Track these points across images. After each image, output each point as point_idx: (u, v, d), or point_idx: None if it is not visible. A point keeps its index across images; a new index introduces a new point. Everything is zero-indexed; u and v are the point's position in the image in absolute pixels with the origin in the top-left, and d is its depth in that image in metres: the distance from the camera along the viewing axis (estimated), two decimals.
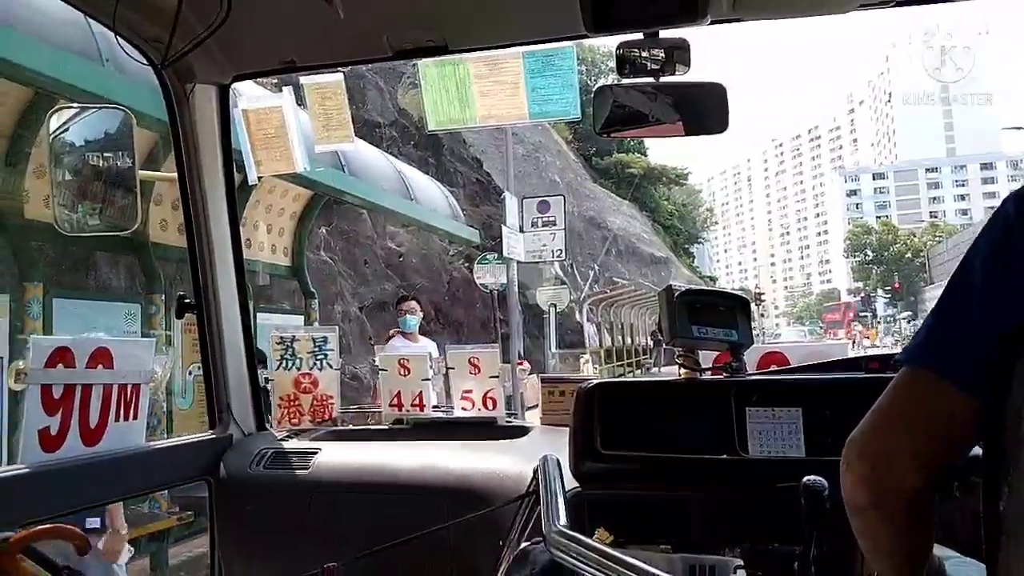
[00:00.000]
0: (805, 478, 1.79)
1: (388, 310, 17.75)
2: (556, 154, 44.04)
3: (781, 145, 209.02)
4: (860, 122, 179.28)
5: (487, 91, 2.51)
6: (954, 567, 1.43)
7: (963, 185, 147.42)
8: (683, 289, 2.27)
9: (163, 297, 6.33)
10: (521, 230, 15.91)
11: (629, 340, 30.59)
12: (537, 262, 17.70)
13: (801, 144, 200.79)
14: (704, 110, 2.23)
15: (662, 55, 2.13)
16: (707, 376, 2.26)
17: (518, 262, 16.08)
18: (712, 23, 2.13)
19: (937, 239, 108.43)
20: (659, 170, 61.54)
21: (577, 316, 26.57)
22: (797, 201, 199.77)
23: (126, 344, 2.51)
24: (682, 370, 2.28)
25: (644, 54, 2.15)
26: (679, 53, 2.14)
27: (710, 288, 2.76)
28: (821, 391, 2.11)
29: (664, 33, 2.13)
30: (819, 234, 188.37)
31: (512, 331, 15.45)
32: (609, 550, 1.40)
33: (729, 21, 2.21)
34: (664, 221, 61.37)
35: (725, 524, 2.02)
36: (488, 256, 18.28)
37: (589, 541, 1.47)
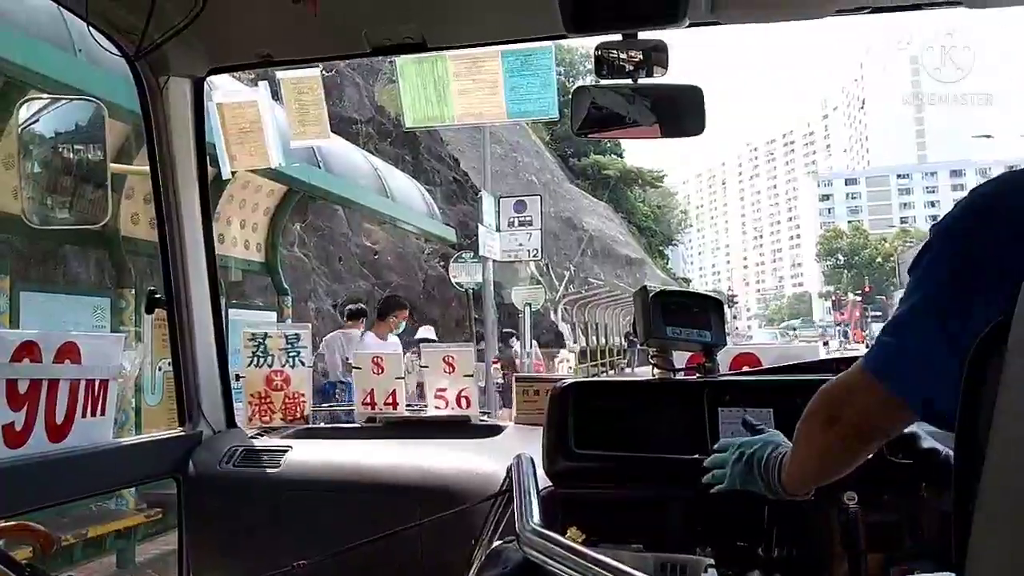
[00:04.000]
0: None
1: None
2: (534, 154, 44.03)
3: (756, 149, 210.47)
4: (834, 128, 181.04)
5: (465, 89, 2.50)
6: None
7: (934, 192, 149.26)
8: (658, 290, 2.28)
9: (133, 292, 6.20)
10: (498, 229, 15.87)
11: (603, 340, 30.63)
12: (513, 261, 17.59)
13: (775, 149, 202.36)
14: (681, 112, 2.23)
15: (640, 56, 2.14)
16: (680, 376, 2.27)
17: (494, 261, 16.06)
18: (690, 25, 2.13)
19: (908, 244, 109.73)
20: (635, 172, 61.82)
21: (552, 316, 26.56)
22: (770, 205, 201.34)
23: (94, 339, 2.48)
24: (656, 370, 2.29)
25: (622, 55, 2.15)
26: (657, 55, 2.15)
27: (684, 289, 2.77)
28: (793, 392, 2.11)
29: (643, 35, 2.13)
30: (792, 238, 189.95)
31: (487, 330, 15.38)
32: (583, 549, 1.41)
33: (707, 24, 2.22)
34: (639, 223, 61.62)
35: (697, 523, 2.03)
36: (464, 255, 17.93)
37: (563, 540, 1.47)
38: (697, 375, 2.25)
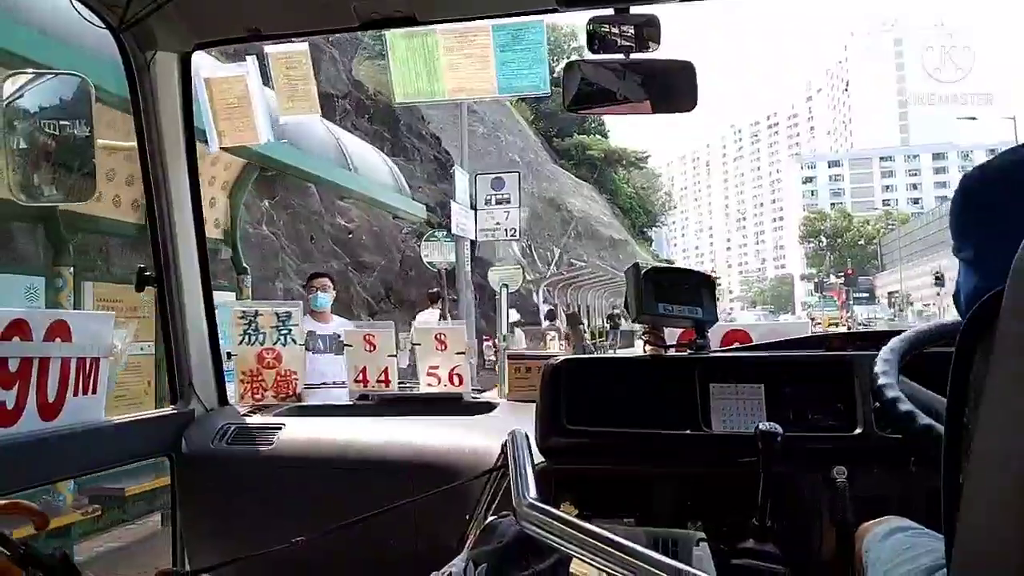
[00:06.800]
0: (760, 423, 1.83)
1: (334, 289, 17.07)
2: (517, 133, 43.87)
3: (740, 131, 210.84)
4: (817, 110, 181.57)
5: (456, 64, 2.48)
6: (913, 538, 1.45)
7: (916, 175, 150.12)
8: (650, 267, 2.28)
9: (72, 270, 5.77)
10: (473, 208, 15.48)
11: (586, 322, 30.69)
12: (490, 240, 16.91)
13: (759, 130, 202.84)
14: (672, 88, 2.22)
15: (632, 31, 2.12)
16: (672, 353, 2.28)
17: (475, 241, 15.74)
18: (682, 0, 2.13)
19: (890, 227, 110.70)
20: (619, 153, 61.86)
21: (535, 297, 26.49)
22: (754, 187, 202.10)
23: (85, 317, 2.46)
24: (647, 347, 2.29)
25: (614, 30, 2.14)
26: (649, 30, 2.13)
27: (676, 266, 2.76)
28: (783, 368, 2.14)
29: (635, 9, 2.12)
30: (775, 220, 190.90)
31: (461, 312, 14.94)
32: (580, 522, 1.41)
33: None
34: (623, 204, 61.71)
35: (688, 498, 2.05)
36: (436, 233, 17.43)
37: (560, 513, 1.46)
38: (688, 352, 2.25)
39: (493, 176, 16.43)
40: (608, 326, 32.04)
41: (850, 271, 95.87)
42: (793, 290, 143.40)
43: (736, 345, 2.70)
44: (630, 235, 58.59)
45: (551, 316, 18.14)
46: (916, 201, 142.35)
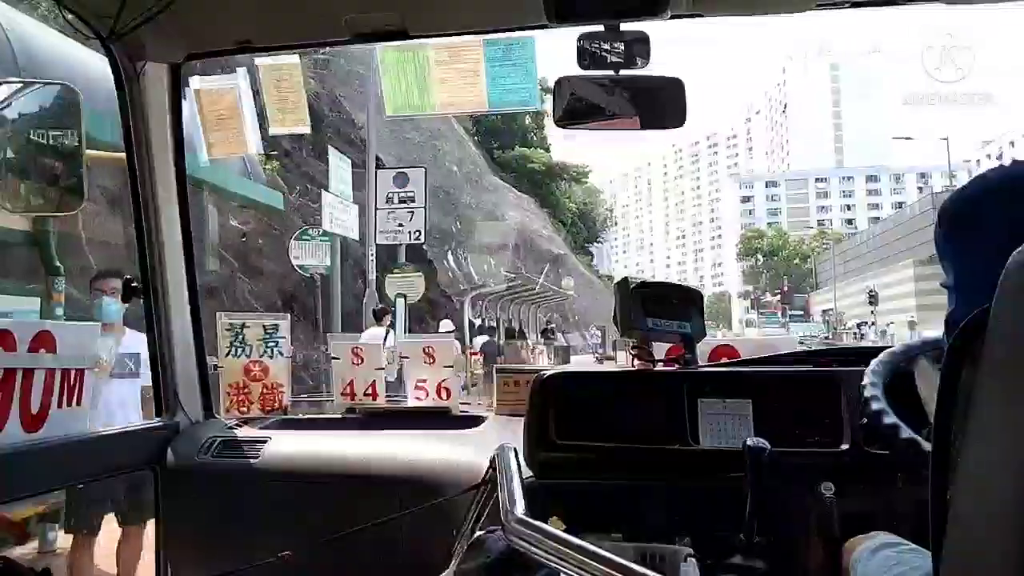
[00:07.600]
0: (748, 439, 1.86)
1: (218, 296, 15.14)
2: (455, 143, 42.99)
3: (680, 151, 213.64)
4: (756, 131, 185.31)
5: (446, 78, 2.49)
6: (900, 554, 1.49)
7: (850, 196, 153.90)
8: (639, 281, 2.31)
9: None
10: (386, 202, 13.97)
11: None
12: (393, 244, 15.28)
13: (699, 150, 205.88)
14: (661, 104, 2.25)
15: (622, 48, 2.15)
16: (660, 368, 2.30)
17: (377, 244, 13.75)
18: (672, 17, 2.16)
19: (824, 246, 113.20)
20: (560, 167, 61.75)
21: (468, 311, 25.92)
22: (694, 206, 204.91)
23: (70, 328, 2.40)
24: (636, 361, 2.31)
25: (604, 46, 2.16)
26: (639, 46, 2.16)
27: (665, 281, 2.81)
28: (771, 383, 2.17)
29: (625, 26, 2.15)
30: (713, 238, 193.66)
31: (333, 324, 13.41)
32: (569, 538, 1.41)
33: (689, 16, 2.25)
34: (564, 218, 61.71)
35: (676, 513, 2.06)
36: (309, 231, 14.92)
37: (549, 529, 1.46)
38: (677, 366, 2.27)
39: (396, 171, 14.89)
40: (542, 341, 31.59)
41: (786, 288, 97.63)
42: (730, 307, 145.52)
43: (724, 360, 2.73)
44: (570, 250, 58.59)
45: (481, 331, 17.10)
46: (850, 222, 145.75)
